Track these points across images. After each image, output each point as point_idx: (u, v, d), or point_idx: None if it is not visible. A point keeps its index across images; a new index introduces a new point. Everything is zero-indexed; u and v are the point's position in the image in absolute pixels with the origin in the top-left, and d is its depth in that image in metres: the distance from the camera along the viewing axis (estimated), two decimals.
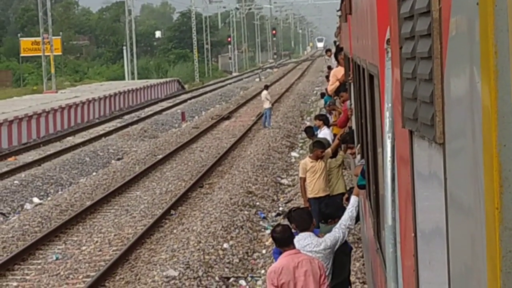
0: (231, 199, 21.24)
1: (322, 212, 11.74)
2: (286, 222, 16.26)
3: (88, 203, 22.12)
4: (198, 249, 16.59)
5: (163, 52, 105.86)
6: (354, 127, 13.40)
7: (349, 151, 14.14)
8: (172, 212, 20.90)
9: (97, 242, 18.54)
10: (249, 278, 15.52)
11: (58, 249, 18.10)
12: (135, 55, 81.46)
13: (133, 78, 76.96)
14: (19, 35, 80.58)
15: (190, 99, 59.12)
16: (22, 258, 17.29)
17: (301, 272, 9.15)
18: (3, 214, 22.49)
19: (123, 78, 77.80)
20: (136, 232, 18.86)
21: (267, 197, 22.52)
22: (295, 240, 9.78)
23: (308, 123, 30.87)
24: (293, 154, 29.59)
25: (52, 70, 60.22)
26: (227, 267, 16.08)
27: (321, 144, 15.27)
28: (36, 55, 66.36)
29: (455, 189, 2.55)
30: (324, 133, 17.71)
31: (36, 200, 24.14)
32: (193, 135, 35.57)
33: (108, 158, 31.89)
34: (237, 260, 16.61)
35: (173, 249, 16.72)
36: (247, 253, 17.19)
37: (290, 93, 57.97)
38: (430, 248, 3.17)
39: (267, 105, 36.94)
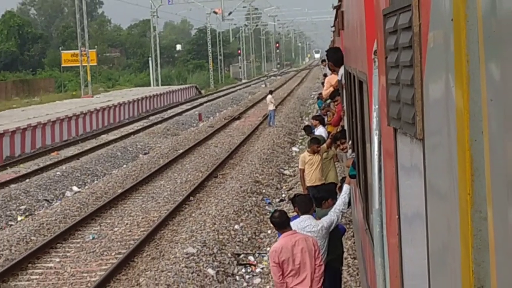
0: (241, 187, 21.25)
1: (315, 198, 11.75)
2: (285, 208, 16.31)
3: (120, 191, 22.14)
4: (213, 230, 16.60)
5: (182, 63, 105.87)
6: (346, 125, 13.38)
7: (341, 146, 14.13)
8: (191, 198, 20.91)
9: (127, 224, 18.58)
10: (257, 254, 15.54)
11: (94, 230, 18.14)
12: (159, 65, 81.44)
13: (157, 85, 76.93)
14: (60, 48, 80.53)
15: (206, 102, 59.09)
16: (64, 238, 17.33)
17: (298, 250, 9.16)
18: (47, 201, 22.55)
19: (148, 85, 77.77)
20: (160, 215, 18.87)
21: (272, 186, 22.52)
22: (297, 221, 9.81)
23: (306, 123, 30.78)
24: (294, 149, 29.56)
25: (89, 78, 60.23)
26: (238, 245, 16.09)
27: (317, 141, 15.28)
28: (75, 65, 66.35)
29: (433, 178, 2.55)
30: (320, 131, 17.70)
31: (75, 188, 24.18)
32: (209, 133, 35.56)
33: (136, 152, 31.90)
34: (246, 239, 16.63)
35: (192, 230, 16.73)
36: (255, 233, 17.21)
37: (291, 97, 57.91)
38: (412, 228, 3.17)
39: (271, 107, 36.94)
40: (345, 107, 13.17)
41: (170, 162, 27.32)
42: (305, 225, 9.71)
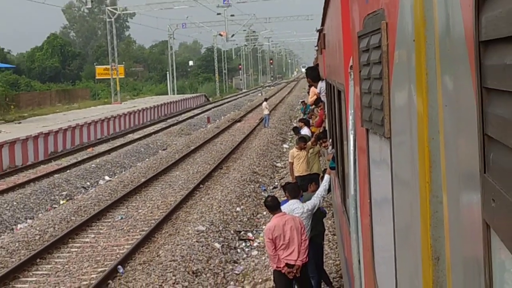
0: (241, 177, 21.25)
1: (301, 185, 11.75)
2: (277, 194, 16.33)
3: (143, 180, 22.14)
4: (219, 212, 16.61)
5: (194, 75, 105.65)
6: (327, 127, 13.39)
7: (323, 144, 14.14)
8: (201, 186, 20.90)
9: (149, 206, 18.58)
10: (254, 231, 15.56)
11: (122, 211, 18.15)
12: (175, 78, 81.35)
13: (173, 93, 76.82)
14: (95, 64, 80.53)
15: (213, 108, 59.01)
16: (97, 218, 17.34)
17: (288, 228, 9.18)
18: (84, 188, 22.53)
19: (166, 93, 77.65)
20: (176, 199, 18.88)
21: (267, 175, 22.53)
22: (287, 204, 9.83)
23: (294, 124, 30.78)
24: (285, 145, 29.53)
25: (118, 88, 60.15)
26: (239, 224, 16.11)
27: (303, 139, 15.29)
28: (107, 78, 66.17)
29: (398, 169, 2.55)
30: (305, 131, 17.69)
31: (107, 177, 24.16)
32: (215, 133, 35.55)
33: (156, 148, 31.89)
34: (246, 219, 16.65)
35: (202, 212, 16.74)
36: (253, 214, 17.22)
37: (282, 103, 57.84)
38: (381, 210, 3.17)
39: (266, 112, 36.92)
40: (326, 112, 13.18)
41: (184, 156, 27.33)
42: (293, 208, 9.74)
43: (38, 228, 16.40)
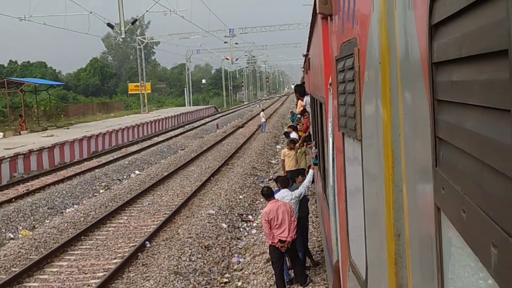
0: (243, 171, 21.24)
1: (291, 178, 11.73)
2: (272, 185, 16.32)
3: (165, 173, 22.11)
4: (226, 199, 16.60)
5: (206, 91, 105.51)
6: (311, 131, 13.39)
7: (308, 145, 14.12)
8: (211, 178, 20.90)
9: (170, 194, 18.56)
10: (254, 214, 15.54)
11: (149, 198, 18.13)
12: (190, 93, 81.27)
13: (189, 105, 76.79)
14: (127, 81, 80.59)
15: (221, 116, 59.00)
16: (130, 203, 17.32)
17: (280, 211, 9.17)
18: (119, 180, 22.48)
19: (184, 105, 77.60)
20: (191, 189, 18.86)
21: (263, 170, 22.50)
22: (279, 193, 9.81)
23: (285, 130, 30.82)
24: (278, 146, 29.49)
25: (146, 101, 59.94)
26: (241, 208, 16.10)
27: (292, 141, 15.27)
28: (137, 93, 66.12)
29: (367, 165, 2.55)
30: (294, 135, 17.66)
31: (137, 172, 24.13)
32: (223, 136, 35.54)
33: (176, 149, 31.87)
34: (247, 205, 16.63)
35: (212, 199, 16.73)
36: (252, 201, 17.21)
37: (276, 113, 57.76)
38: (354, 197, 3.17)
39: (263, 120, 36.92)
40: (310, 120, 13.17)
41: (198, 155, 27.32)
42: (284, 195, 9.73)
43: (82, 212, 16.38)
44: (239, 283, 10.52)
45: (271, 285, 9.89)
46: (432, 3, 1.34)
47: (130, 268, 11.65)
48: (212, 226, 13.78)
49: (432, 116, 1.39)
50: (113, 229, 14.74)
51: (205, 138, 36.25)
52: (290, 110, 36.26)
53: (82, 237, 13.93)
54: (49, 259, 12.30)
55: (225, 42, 76.57)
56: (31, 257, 12.54)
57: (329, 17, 4.15)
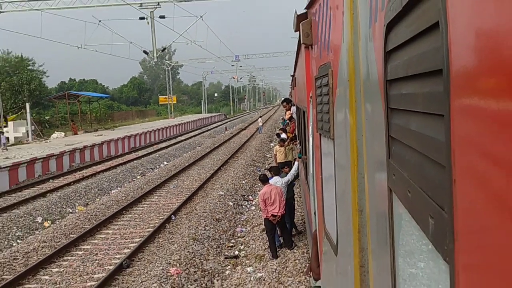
0: (245, 163, 21.20)
1: (280, 168, 11.67)
2: (267, 172, 16.28)
3: (186, 164, 22.06)
4: (232, 183, 16.57)
5: (218, 102, 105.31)
6: (297, 133, 13.37)
7: (295, 143, 14.07)
8: (221, 168, 20.86)
9: (190, 180, 18.51)
10: (253, 195, 15.51)
11: (174, 183, 18.08)
12: (206, 103, 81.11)
13: (205, 113, 76.65)
14: (158, 95, 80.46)
15: (229, 121, 58.86)
16: (159, 186, 17.29)
17: (273, 193, 9.16)
18: (152, 169, 22.35)
19: (201, 113, 77.46)
20: (206, 176, 18.83)
21: (260, 162, 22.45)
22: (272, 179, 9.78)
23: (277, 131, 30.77)
24: (271, 144, 29.45)
25: (172, 109, 59.91)
26: (244, 190, 16.07)
27: (282, 140, 15.21)
28: (165, 103, 65.92)
29: (338, 158, 2.54)
30: (283, 136, 17.59)
31: (165, 162, 24.05)
32: (230, 136, 35.47)
33: (194, 146, 31.79)
34: (248, 188, 16.60)
35: (221, 183, 16.70)
36: (252, 185, 17.17)
37: (270, 119, 57.58)
38: (328, 182, 3.17)
39: (260, 124, 36.93)
40: (296, 124, 13.15)
41: (211, 150, 27.25)
42: (276, 181, 9.70)
43: (124, 193, 16.34)
44: (242, 247, 10.51)
45: (265, 248, 9.89)
46: (387, 35, 1.34)
47: (159, 235, 11.64)
48: (222, 204, 13.77)
49: (386, 120, 1.39)
50: (147, 205, 14.73)
51: (217, 138, 36.19)
52: (282, 117, 36.10)
53: (124, 211, 13.91)
54: (99, 228, 12.30)
55: (232, 65, 76.45)
56: (85, 226, 12.53)
57: (310, 46, 4.14)
